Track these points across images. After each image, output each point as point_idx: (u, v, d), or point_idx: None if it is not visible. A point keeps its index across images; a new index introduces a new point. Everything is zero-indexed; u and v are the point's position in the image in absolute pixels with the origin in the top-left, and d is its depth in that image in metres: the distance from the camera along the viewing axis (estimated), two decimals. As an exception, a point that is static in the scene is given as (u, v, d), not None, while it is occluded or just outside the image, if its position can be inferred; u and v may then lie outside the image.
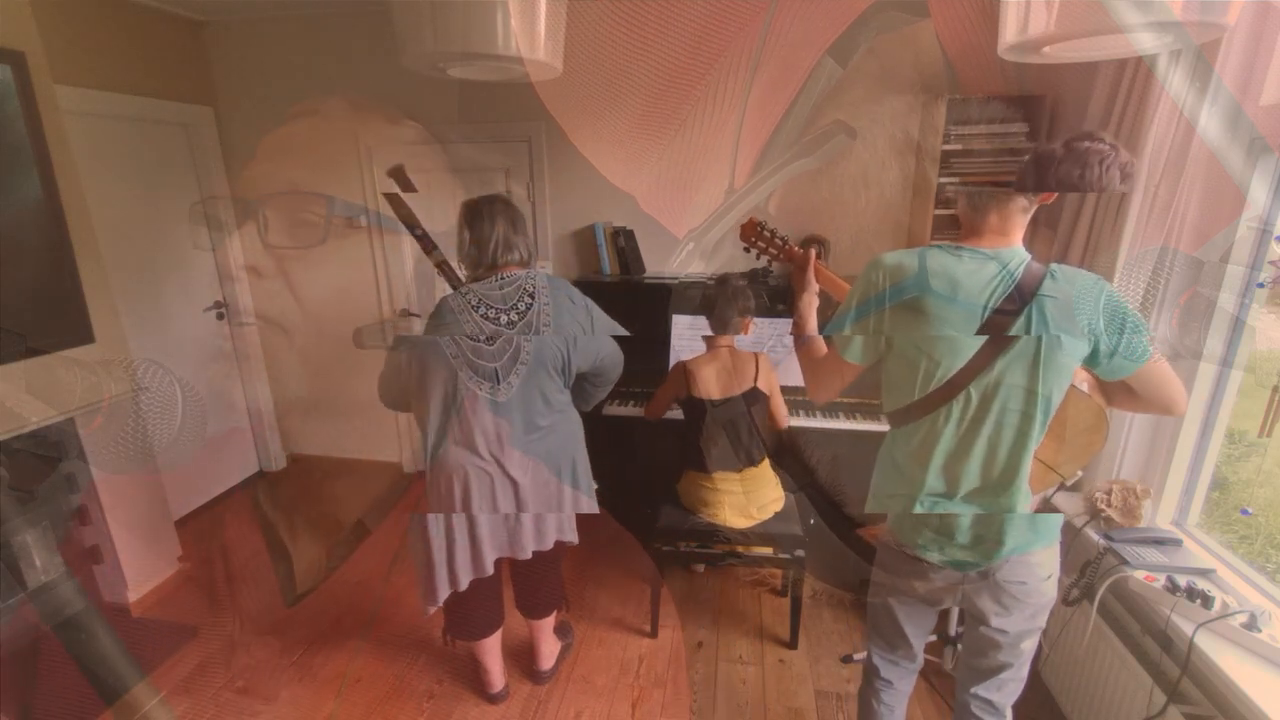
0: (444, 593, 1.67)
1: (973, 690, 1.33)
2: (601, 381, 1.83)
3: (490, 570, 1.70)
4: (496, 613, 1.91)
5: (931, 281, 1.10)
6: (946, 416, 1.14)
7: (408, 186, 1.84)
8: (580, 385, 1.80)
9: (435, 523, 1.64)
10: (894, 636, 1.40)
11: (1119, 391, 1.19)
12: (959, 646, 1.67)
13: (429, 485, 1.67)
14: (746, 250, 1.65)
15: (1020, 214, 1.12)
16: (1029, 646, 1.27)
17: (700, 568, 2.61)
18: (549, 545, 1.74)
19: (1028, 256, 1.11)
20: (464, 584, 1.68)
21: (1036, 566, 1.20)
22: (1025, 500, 1.18)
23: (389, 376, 1.67)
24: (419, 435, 1.68)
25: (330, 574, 2.28)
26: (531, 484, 1.65)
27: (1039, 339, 1.07)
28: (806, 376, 1.38)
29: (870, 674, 1.48)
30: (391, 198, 1.79)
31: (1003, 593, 1.21)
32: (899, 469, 1.24)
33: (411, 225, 1.77)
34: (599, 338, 1.75)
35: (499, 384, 1.56)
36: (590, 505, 1.78)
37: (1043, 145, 1.10)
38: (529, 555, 1.72)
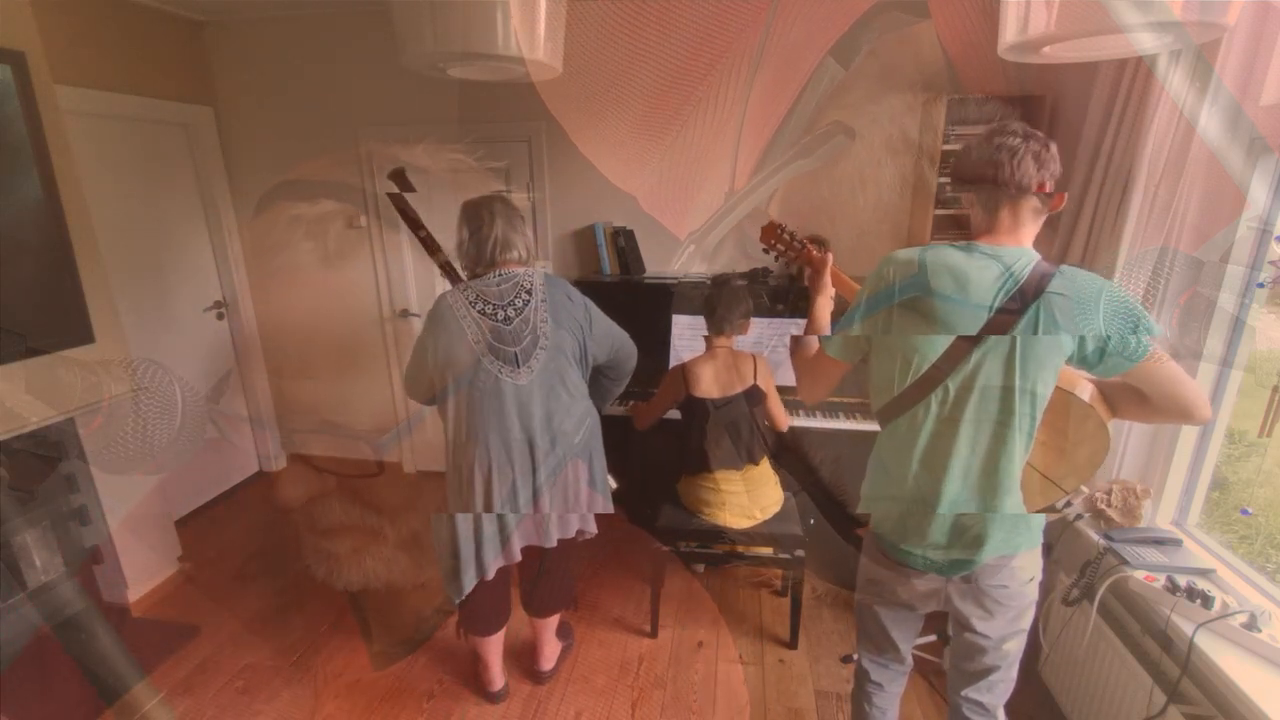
0: (470, 583, 1.67)
1: (963, 693, 1.33)
2: (617, 375, 1.85)
3: (518, 557, 1.71)
4: (505, 609, 1.91)
5: (940, 278, 1.09)
6: (926, 411, 1.13)
7: (407, 187, 1.84)
8: (597, 380, 1.82)
9: (461, 512, 1.65)
10: (881, 640, 1.40)
11: (1130, 399, 1.17)
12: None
13: (450, 473, 1.68)
14: (766, 252, 1.67)
15: (1032, 214, 1.11)
16: (1014, 648, 1.27)
17: (700, 568, 2.61)
18: (571, 533, 1.76)
19: (1036, 256, 1.10)
20: (491, 573, 1.68)
21: (1019, 570, 1.20)
22: (1015, 503, 1.17)
23: (415, 368, 1.68)
24: (441, 426, 1.68)
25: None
26: (549, 477, 1.66)
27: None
28: (798, 376, 1.38)
29: (861, 677, 1.48)
30: (396, 200, 1.80)
31: (985, 597, 1.21)
32: (885, 469, 1.24)
33: (416, 227, 1.78)
34: (613, 330, 1.78)
35: (519, 367, 1.58)
36: (606, 503, 1.79)
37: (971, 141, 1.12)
38: (554, 543, 1.72)
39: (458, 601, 1.73)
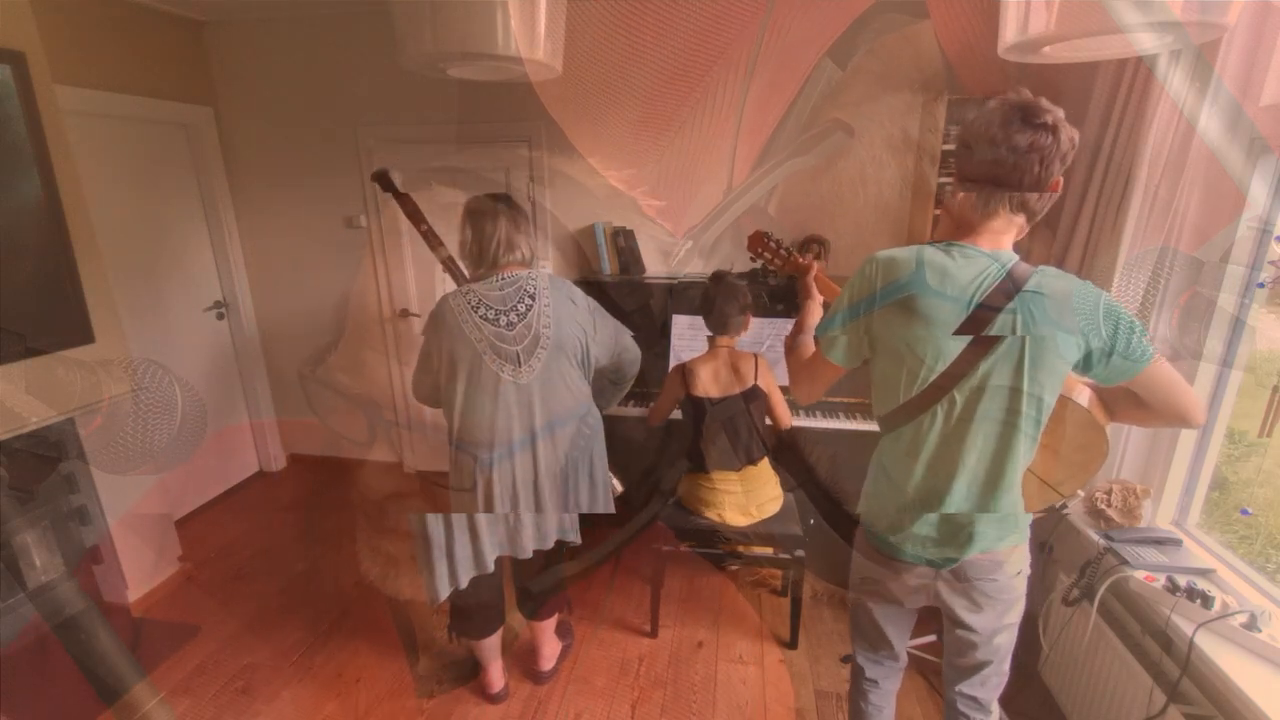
0: (444, 591, 1.67)
1: (958, 688, 1.35)
2: (620, 378, 1.85)
3: (490, 568, 1.70)
4: (498, 613, 1.91)
5: (923, 277, 1.09)
6: (932, 419, 1.13)
7: (388, 187, 1.84)
8: (600, 382, 1.81)
9: (437, 518, 1.65)
10: (875, 637, 1.41)
11: (1128, 403, 1.17)
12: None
13: (452, 474, 1.67)
14: (753, 260, 1.70)
15: (1009, 217, 1.10)
16: (1004, 642, 1.28)
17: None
18: (549, 545, 1.74)
19: (1016, 258, 1.09)
20: (464, 582, 1.68)
21: (1006, 564, 1.21)
22: (1017, 504, 1.17)
23: (421, 374, 1.68)
24: (445, 428, 1.68)
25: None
26: (550, 476, 1.65)
27: (1024, 338, 1.05)
28: (791, 376, 1.38)
29: (857, 675, 1.49)
30: (399, 196, 1.80)
31: (974, 590, 1.22)
32: (887, 473, 1.24)
33: (418, 221, 1.78)
34: (618, 333, 1.77)
35: (520, 366, 1.57)
36: (607, 504, 1.78)
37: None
38: (529, 555, 1.72)
39: (434, 606, 1.71)
